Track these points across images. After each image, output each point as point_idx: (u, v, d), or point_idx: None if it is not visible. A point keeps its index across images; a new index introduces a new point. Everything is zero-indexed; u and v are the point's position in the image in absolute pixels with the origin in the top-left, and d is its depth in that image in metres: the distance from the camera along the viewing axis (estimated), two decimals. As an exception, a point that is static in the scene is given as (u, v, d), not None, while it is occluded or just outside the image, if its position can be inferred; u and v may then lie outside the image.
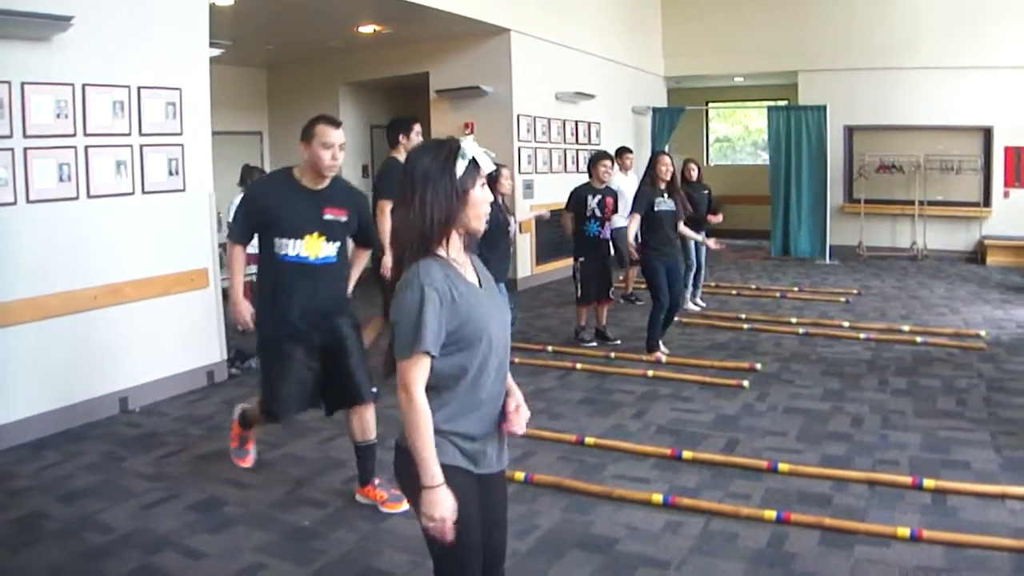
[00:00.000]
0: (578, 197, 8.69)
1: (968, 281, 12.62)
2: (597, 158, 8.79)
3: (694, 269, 10.40)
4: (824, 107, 15.08)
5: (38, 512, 4.73)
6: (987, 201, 14.94)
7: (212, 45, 7.64)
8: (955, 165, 15.00)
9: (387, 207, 6.70)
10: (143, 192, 6.77)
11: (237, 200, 9.54)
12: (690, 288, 10.33)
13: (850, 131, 15.87)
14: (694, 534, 4.30)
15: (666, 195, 8.09)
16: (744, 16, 16.36)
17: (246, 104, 14.13)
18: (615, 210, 8.74)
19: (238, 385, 7.36)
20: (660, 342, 8.24)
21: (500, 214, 7.10)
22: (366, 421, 4.73)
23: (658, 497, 4.68)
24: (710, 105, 19.79)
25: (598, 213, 8.56)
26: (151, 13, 6.81)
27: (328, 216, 4.58)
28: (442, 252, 2.51)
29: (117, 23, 6.54)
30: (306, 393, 4.69)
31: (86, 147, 6.33)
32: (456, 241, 2.56)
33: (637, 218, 8.01)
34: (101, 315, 6.45)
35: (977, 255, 14.87)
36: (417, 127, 7.23)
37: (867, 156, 15.60)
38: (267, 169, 13.09)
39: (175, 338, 7.08)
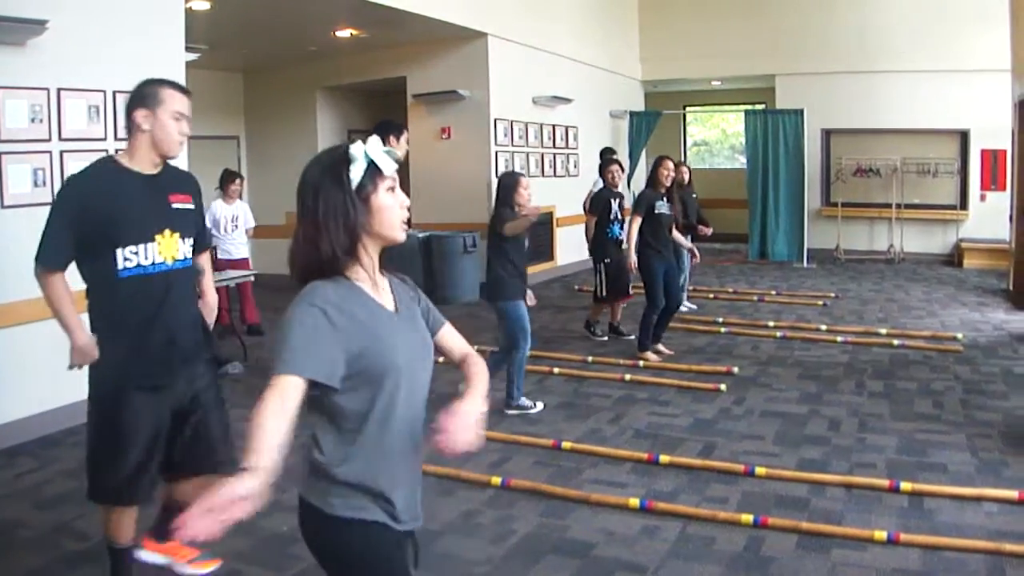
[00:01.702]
0: (604, 201, 8.94)
1: (945, 284, 12.71)
2: (608, 163, 9.11)
3: (685, 272, 10.46)
4: (801, 111, 15.16)
5: (14, 519, 4.70)
6: (964, 204, 15.09)
7: (188, 49, 7.62)
8: (932, 168, 15.13)
9: None
10: (119, 197, 6.72)
11: (214, 205, 9.56)
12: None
13: (827, 134, 16.00)
14: (671, 538, 4.30)
15: (665, 199, 8.19)
16: (721, 20, 16.44)
17: (222, 108, 14.07)
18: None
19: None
20: (661, 344, 8.40)
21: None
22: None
23: (635, 501, 4.68)
24: (687, 109, 19.90)
25: (620, 216, 8.90)
26: (127, 17, 6.76)
27: (176, 204, 3.68)
28: (351, 273, 2.16)
29: (92, 27, 6.50)
30: (155, 465, 3.66)
31: (61, 152, 6.29)
32: (368, 258, 2.20)
33: (638, 220, 8.07)
34: (79, 320, 6.40)
35: (954, 258, 14.99)
36: (405, 135, 6.76)
37: (844, 159, 15.71)
38: (245, 174, 13.04)
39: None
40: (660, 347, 8.37)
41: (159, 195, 3.61)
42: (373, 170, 2.16)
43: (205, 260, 4.08)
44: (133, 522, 3.76)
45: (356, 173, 2.14)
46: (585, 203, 10.06)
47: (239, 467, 1.86)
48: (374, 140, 2.19)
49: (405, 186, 6.85)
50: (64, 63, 6.29)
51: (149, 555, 3.95)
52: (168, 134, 3.54)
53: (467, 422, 2.15)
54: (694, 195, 10.65)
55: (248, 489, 1.82)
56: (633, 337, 8.71)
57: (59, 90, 6.26)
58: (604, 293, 9.01)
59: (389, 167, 2.18)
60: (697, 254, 9.51)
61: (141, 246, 3.50)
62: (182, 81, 7.19)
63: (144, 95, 3.52)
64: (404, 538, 2.26)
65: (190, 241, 3.70)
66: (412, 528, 2.29)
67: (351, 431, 2.14)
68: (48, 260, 3.57)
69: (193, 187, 3.86)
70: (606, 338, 9.04)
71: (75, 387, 6.44)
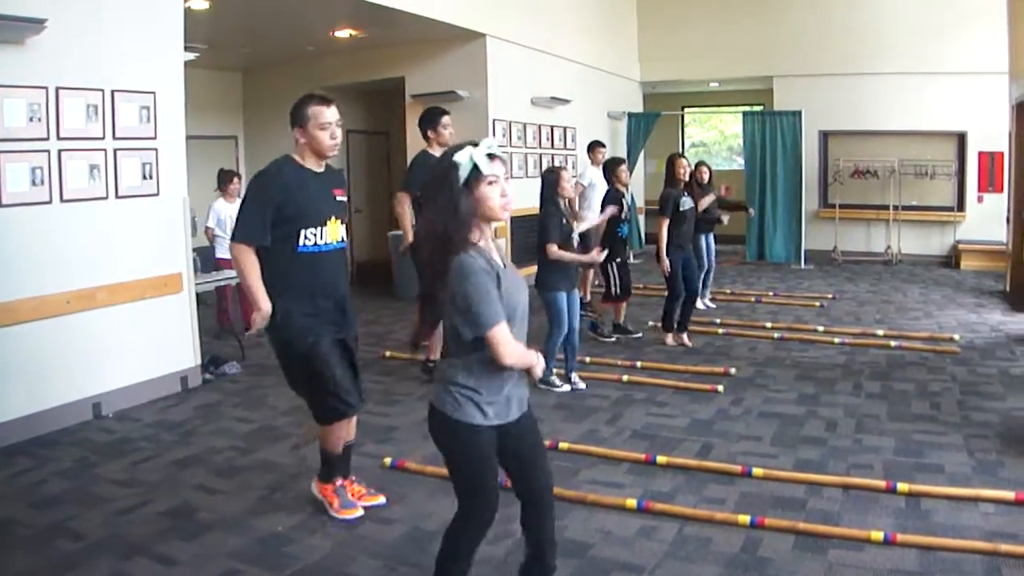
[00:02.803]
0: (615, 201, 8.88)
1: (942, 285, 12.72)
2: (615, 164, 9.11)
3: (705, 269, 10.51)
4: (799, 112, 15.16)
5: (10, 519, 4.68)
6: (961, 206, 15.09)
7: (187, 49, 7.60)
8: (929, 170, 15.13)
9: (405, 200, 7.15)
10: (117, 196, 6.73)
11: (216, 204, 9.56)
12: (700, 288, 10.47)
13: (825, 136, 16.00)
14: (668, 539, 4.30)
15: (686, 193, 8.56)
16: (720, 21, 16.43)
17: (221, 108, 14.06)
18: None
19: (212, 391, 7.33)
20: (685, 335, 8.77)
21: (563, 220, 7.19)
22: (353, 423, 4.77)
23: (632, 502, 4.68)
24: (686, 110, 19.85)
25: (628, 216, 8.96)
26: (125, 16, 6.77)
27: (339, 197, 4.58)
28: (475, 239, 2.93)
29: (91, 26, 6.50)
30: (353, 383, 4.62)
31: (59, 151, 6.28)
32: (485, 230, 3.00)
33: (666, 221, 8.36)
34: (74, 320, 6.40)
35: (951, 259, 15.00)
36: (445, 119, 7.42)
37: (842, 161, 15.70)
38: (243, 173, 13.05)
39: (149, 343, 7.03)
40: (685, 337, 8.76)
41: (326, 189, 4.51)
42: (476, 170, 2.90)
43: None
44: (344, 432, 4.68)
45: (464, 173, 2.89)
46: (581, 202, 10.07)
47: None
48: (482, 145, 2.92)
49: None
50: (63, 62, 6.28)
51: (317, 492, 4.79)
52: (320, 142, 4.39)
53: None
54: (713, 195, 10.75)
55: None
56: (640, 335, 9.09)
57: (57, 89, 6.25)
58: (618, 292, 9.03)
59: (487, 167, 2.91)
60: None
61: (317, 229, 4.40)
62: (180, 80, 7.27)
63: (297, 116, 4.42)
64: (508, 428, 3.11)
65: (343, 227, 4.58)
66: (512, 420, 3.12)
67: (475, 351, 2.96)
68: (247, 237, 4.37)
69: (345, 183, 4.84)
70: (614, 339, 9.04)
71: (71, 387, 6.48)
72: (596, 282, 9.44)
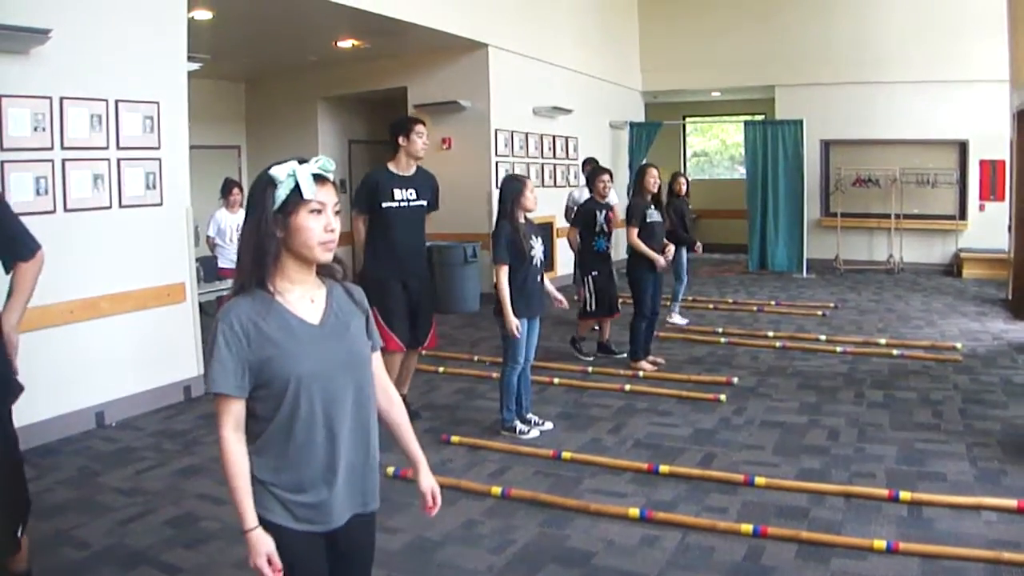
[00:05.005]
0: (588, 213, 8.69)
1: (944, 294, 12.71)
2: (598, 172, 8.77)
3: (684, 282, 10.47)
4: (801, 121, 15.19)
5: (13, 528, 4.69)
6: (963, 214, 15.08)
7: (190, 59, 7.63)
8: (931, 179, 15.13)
9: (355, 219, 6.60)
10: (120, 206, 6.76)
11: (218, 214, 9.59)
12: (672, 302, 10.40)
13: (827, 145, 16.00)
14: (671, 548, 4.30)
15: (653, 206, 8.21)
16: (721, 31, 16.46)
17: (224, 118, 14.10)
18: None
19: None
20: (651, 355, 8.38)
21: (518, 238, 6.16)
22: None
23: (635, 511, 4.68)
24: (687, 119, 19.91)
25: (605, 228, 8.61)
26: (129, 27, 6.80)
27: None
28: (272, 284, 2.32)
29: (95, 36, 6.53)
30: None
31: (63, 160, 6.31)
32: (296, 271, 2.37)
33: (635, 230, 8.04)
34: (77, 329, 6.42)
35: (953, 268, 14.99)
36: (419, 128, 6.56)
37: (844, 170, 15.71)
38: (244, 183, 13.06)
39: (152, 352, 7.05)
40: (651, 358, 8.37)
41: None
42: (296, 192, 2.29)
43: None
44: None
45: (281, 193, 2.29)
46: (567, 214, 9.89)
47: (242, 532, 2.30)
48: (308, 164, 2.33)
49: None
50: (67, 72, 6.31)
51: None
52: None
53: (436, 492, 2.77)
54: (690, 207, 10.67)
55: (263, 549, 2.29)
56: (624, 355, 8.60)
57: (61, 99, 6.28)
58: (593, 308, 8.71)
59: (311, 191, 2.30)
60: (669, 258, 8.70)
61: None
62: (183, 90, 7.29)
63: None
64: (313, 538, 2.41)
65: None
66: (330, 527, 2.42)
67: (258, 433, 2.35)
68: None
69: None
70: (591, 358, 8.72)
71: (74, 396, 6.49)
72: (575, 297, 9.20)
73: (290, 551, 2.33)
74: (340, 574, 2.52)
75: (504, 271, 6.08)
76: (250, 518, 2.29)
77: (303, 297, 2.39)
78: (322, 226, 2.31)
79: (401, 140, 6.50)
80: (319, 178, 2.32)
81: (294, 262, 2.35)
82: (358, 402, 2.44)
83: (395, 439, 2.68)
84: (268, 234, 2.28)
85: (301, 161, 2.32)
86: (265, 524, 2.32)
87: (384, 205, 6.40)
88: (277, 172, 2.28)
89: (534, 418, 6.50)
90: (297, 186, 2.28)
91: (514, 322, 6.05)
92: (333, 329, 2.42)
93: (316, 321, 2.39)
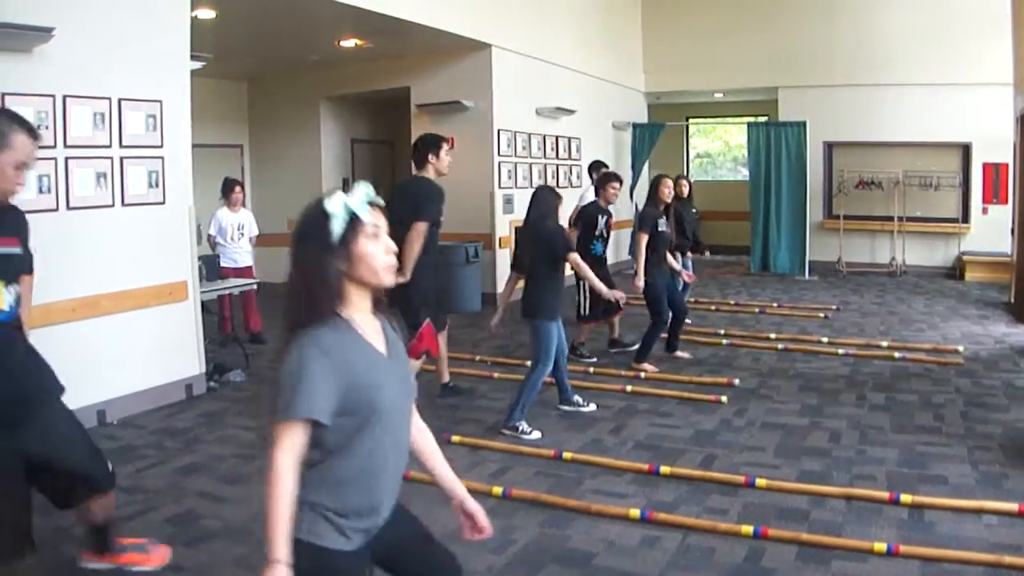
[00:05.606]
0: (589, 216, 8.71)
1: (947, 297, 12.71)
2: (609, 179, 8.71)
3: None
4: (804, 123, 15.16)
5: (14, 526, 4.69)
6: (966, 217, 15.07)
7: (193, 58, 7.63)
8: (934, 181, 15.11)
9: (423, 228, 6.53)
10: (123, 204, 6.77)
11: (219, 213, 9.60)
12: None
13: (830, 147, 15.99)
14: (671, 549, 4.30)
15: (664, 217, 8.27)
16: (724, 32, 16.45)
17: (226, 117, 14.15)
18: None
19: (217, 399, 7.35)
20: (679, 351, 8.64)
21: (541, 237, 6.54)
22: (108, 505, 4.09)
23: (635, 512, 4.68)
24: (690, 121, 19.92)
25: (605, 234, 8.65)
26: (133, 25, 6.81)
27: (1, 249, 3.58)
28: (344, 313, 2.33)
29: (98, 35, 6.54)
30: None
31: (66, 159, 6.32)
32: (358, 300, 2.37)
33: (646, 237, 8.08)
34: (79, 327, 6.42)
35: (956, 271, 14.99)
36: (446, 147, 6.91)
37: (846, 172, 15.69)
38: (246, 182, 13.10)
39: (154, 351, 7.05)
40: (679, 354, 8.63)
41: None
42: (354, 220, 2.30)
43: (25, 286, 3.94)
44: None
45: (337, 226, 2.27)
46: (571, 217, 9.92)
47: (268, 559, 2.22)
48: (357, 190, 2.33)
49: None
50: (70, 70, 6.32)
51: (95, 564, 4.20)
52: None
53: (480, 514, 2.72)
54: (694, 210, 10.67)
55: None
56: (636, 347, 8.61)
57: (65, 97, 6.29)
58: (587, 312, 8.75)
59: (368, 216, 2.32)
60: (687, 276, 9.23)
61: None
62: (186, 89, 7.29)
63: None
64: (364, 553, 2.41)
65: (15, 288, 3.73)
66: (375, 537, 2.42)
67: (326, 459, 2.30)
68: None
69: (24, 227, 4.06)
70: (594, 359, 8.73)
71: (76, 394, 6.46)
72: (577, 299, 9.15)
73: (342, 571, 2.36)
74: (404, 555, 2.59)
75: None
76: (283, 550, 2.21)
77: (369, 327, 2.40)
78: (382, 249, 2.34)
79: (431, 157, 6.82)
80: (370, 203, 2.34)
81: (356, 291, 2.36)
82: (409, 431, 2.54)
83: (427, 467, 2.69)
84: (332, 266, 2.27)
85: (344, 191, 2.33)
86: (312, 549, 2.29)
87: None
88: (331, 205, 2.28)
89: (578, 399, 6.91)
90: (351, 216, 2.29)
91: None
92: (397, 359, 2.46)
93: (384, 351, 2.41)
